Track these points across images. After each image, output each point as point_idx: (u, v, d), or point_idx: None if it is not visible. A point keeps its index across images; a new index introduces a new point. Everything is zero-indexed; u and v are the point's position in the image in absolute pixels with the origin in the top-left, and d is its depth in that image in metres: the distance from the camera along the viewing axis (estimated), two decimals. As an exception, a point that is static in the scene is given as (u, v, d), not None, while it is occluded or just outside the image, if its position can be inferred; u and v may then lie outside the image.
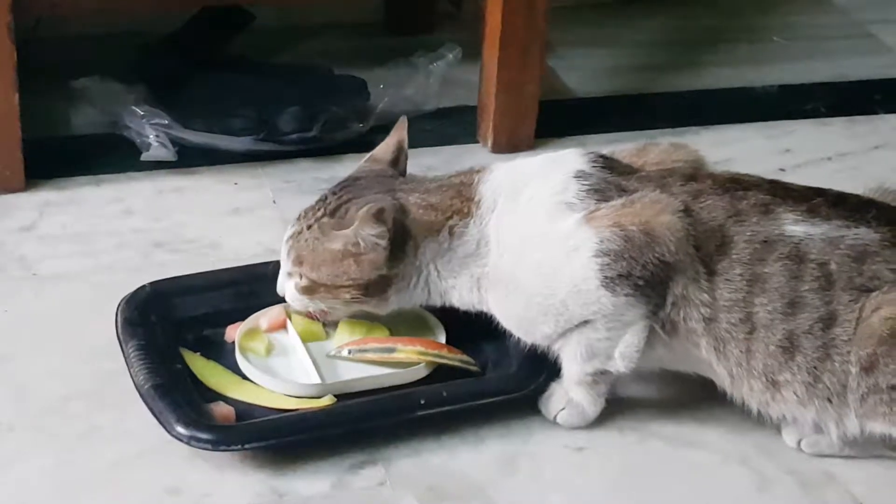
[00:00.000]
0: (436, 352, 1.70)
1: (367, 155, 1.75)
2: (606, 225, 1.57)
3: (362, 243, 1.61)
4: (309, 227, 1.65)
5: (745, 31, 2.77)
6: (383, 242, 1.61)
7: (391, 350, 1.69)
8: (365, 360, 1.70)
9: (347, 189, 1.67)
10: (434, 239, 1.63)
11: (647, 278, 1.57)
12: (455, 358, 1.71)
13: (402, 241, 1.63)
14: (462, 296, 1.66)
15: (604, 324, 1.60)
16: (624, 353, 1.61)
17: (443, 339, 1.74)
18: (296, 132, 2.20)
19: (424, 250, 1.64)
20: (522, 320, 1.64)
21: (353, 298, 1.66)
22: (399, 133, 1.74)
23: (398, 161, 1.73)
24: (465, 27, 2.47)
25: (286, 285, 1.69)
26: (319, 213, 1.66)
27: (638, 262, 1.56)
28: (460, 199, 1.64)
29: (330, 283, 1.64)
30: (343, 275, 1.63)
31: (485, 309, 1.66)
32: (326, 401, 1.65)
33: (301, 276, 1.66)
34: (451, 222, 1.63)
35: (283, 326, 1.75)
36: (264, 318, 1.75)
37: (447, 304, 1.69)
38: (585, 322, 1.60)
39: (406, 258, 1.64)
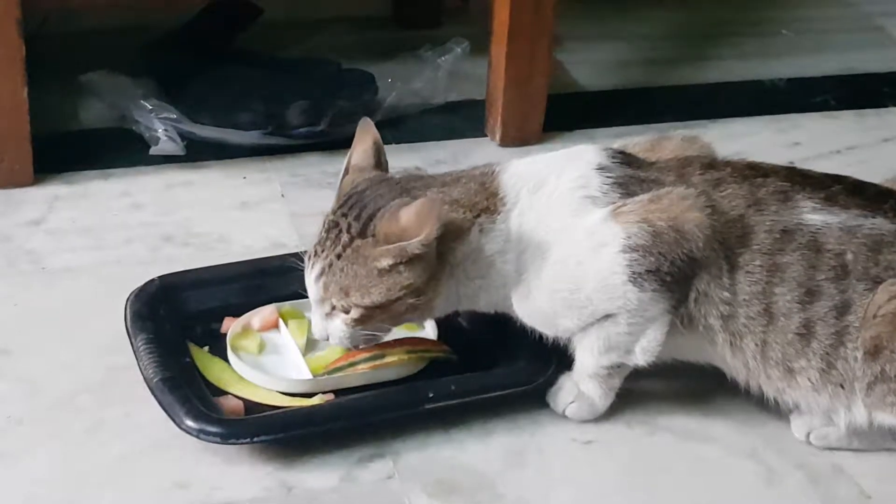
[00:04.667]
0: (423, 348, 1.71)
1: (344, 167, 1.66)
2: (634, 221, 1.56)
3: (416, 251, 1.55)
4: (340, 257, 1.57)
5: (754, 25, 2.77)
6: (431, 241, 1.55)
7: (381, 356, 1.68)
8: (358, 373, 1.68)
9: (358, 206, 1.59)
10: (465, 239, 1.59)
11: (674, 274, 1.56)
12: (439, 350, 1.71)
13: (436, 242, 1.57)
14: (489, 296, 1.63)
15: (626, 318, 1.59)
16: (646, 347, 1.61)
17: (434, 334, 1.74)
18: (304, 126, 2.20)
19: (455, 250, 1.59)
20: (545, 315, 1.62)
21: (406, 310, 1.59)
22: (370, 134, 1.67)
23: (381, 163, 1.66)
24: (473, 21, 2.47)
25: (331, 326, 1.62)
26: (346, 239, 1.57)
27: (667, 259, 1.56)
28: (485, 193, 1.60)
29: (385, 300, 1.57)
30: (396, 285, 1.57)
31: (507, 309, 1.64)
32: (318, 399, 1.65)
33: (351, 308, 1.59)
34: (479, 220, 1.59)
35: (276, 325, 1.75)
36: (256, 317, 1.75)
37: (472, 308, 1.66)
38: (607, 316, 1.60)
39: (442, 260, 1.58)
